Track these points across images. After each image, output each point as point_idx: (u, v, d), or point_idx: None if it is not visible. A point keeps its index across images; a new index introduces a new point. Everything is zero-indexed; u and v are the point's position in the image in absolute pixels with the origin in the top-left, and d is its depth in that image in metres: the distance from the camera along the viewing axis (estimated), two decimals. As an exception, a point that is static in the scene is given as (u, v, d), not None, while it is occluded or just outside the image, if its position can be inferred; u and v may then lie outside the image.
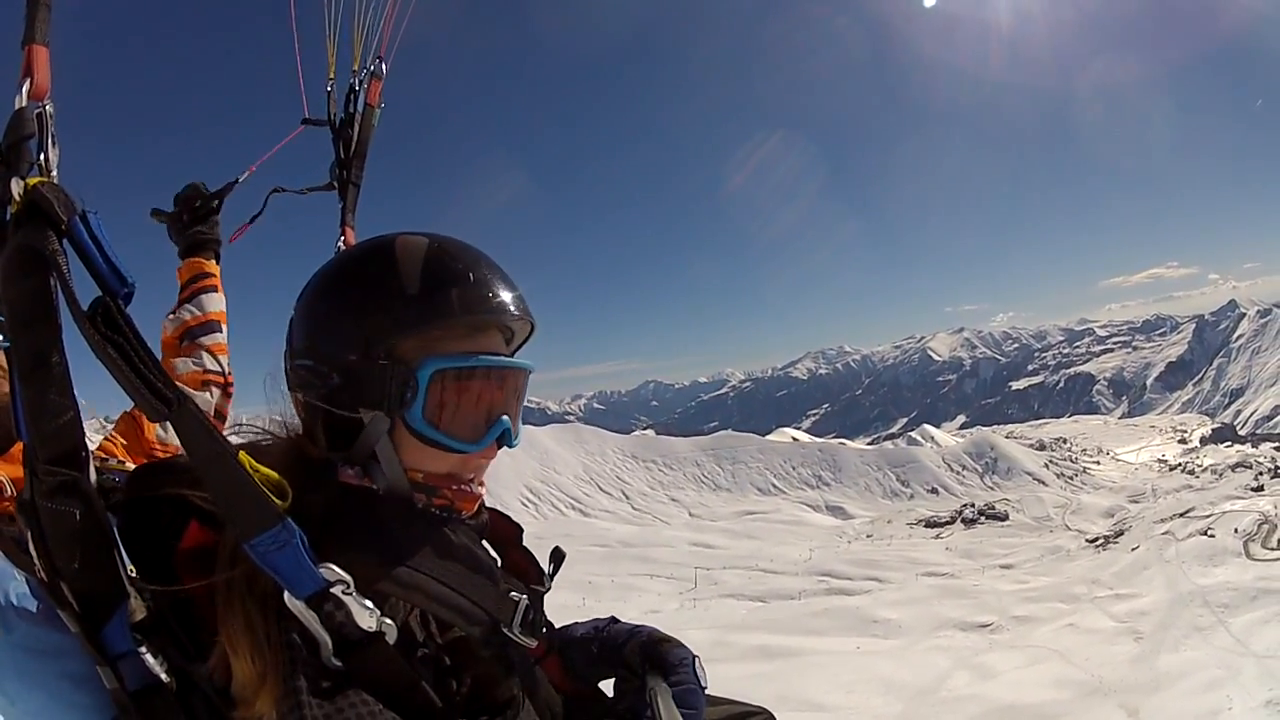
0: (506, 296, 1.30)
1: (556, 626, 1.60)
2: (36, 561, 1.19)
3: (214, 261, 2.49)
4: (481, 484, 1.38)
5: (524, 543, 1.51)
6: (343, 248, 2.23)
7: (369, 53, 2.36)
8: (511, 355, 1.40)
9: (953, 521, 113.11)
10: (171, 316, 2.41)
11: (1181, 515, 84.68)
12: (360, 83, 2.39)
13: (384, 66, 2.41)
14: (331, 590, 1.09)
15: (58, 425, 1.14)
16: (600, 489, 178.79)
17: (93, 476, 1.20)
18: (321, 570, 1.08)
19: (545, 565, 1.48)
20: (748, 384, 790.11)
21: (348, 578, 1.09)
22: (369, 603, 1.10)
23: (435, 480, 1.31)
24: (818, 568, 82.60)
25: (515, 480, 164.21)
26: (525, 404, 1.49)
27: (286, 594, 1.08)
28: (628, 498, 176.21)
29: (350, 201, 2.39)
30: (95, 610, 1.16)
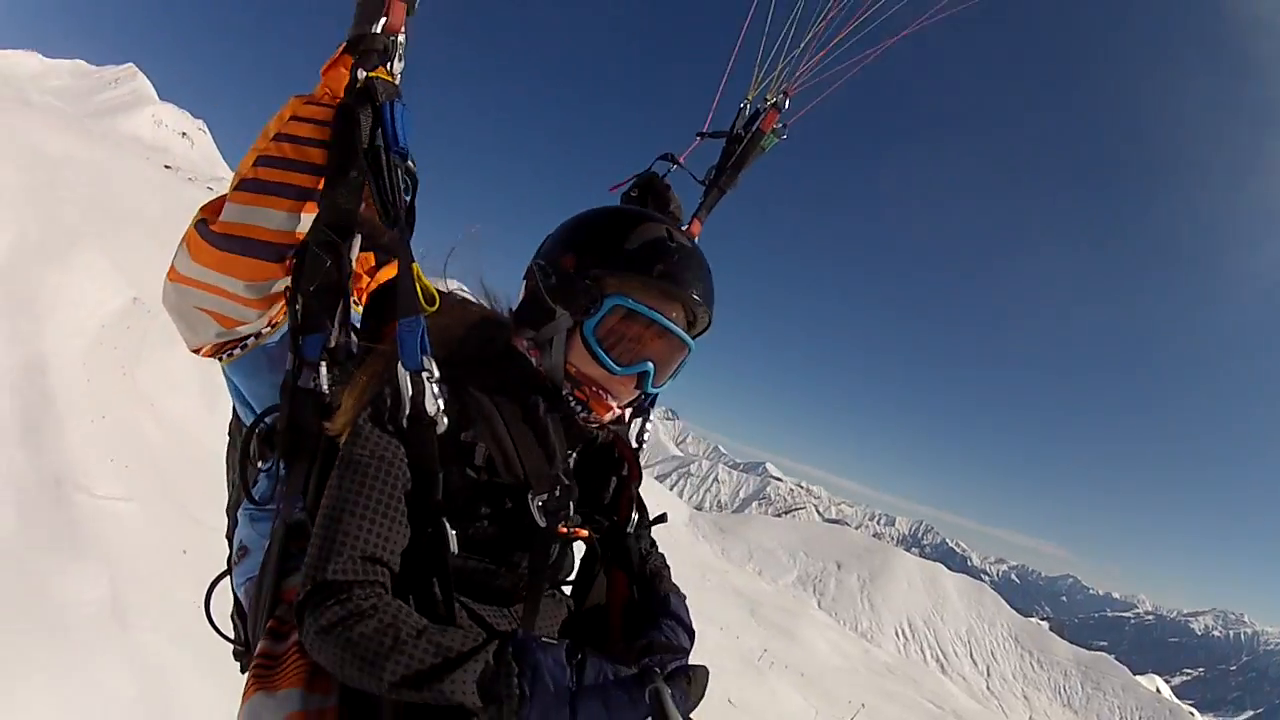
0: (697, 286, 1.60)
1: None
2: (289, 280, 1.75)
3: None
4: (620, 406, 1.66)
5: (638, 492, 1.82)
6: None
7: (779, 85, 2.49)
8: (686, 334, 1.64)
9: None
10: None
11: None
12: (763, 110, 2.50)
13: (787, 102, 2.51)
14: (421, 373, 1.46)
15: (341, 209, 1.71)
16: (970, 656, 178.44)
17: (354, 250, 1.76)
18: (424, 358, 1.47)
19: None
20: (1150, 617, 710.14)
21: (436, 371, 1.47)
22: (441, 399, 1.47)
23: (583, 378, 1.60)
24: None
25: (903, 608, 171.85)
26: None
27: (399, 362, 1.47)
28: (989, 675, 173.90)
29: (709, 201, 2.45)
30: (307, 324, 1.71)
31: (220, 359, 2.11)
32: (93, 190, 12.55)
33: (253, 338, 1.99)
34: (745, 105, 2.51)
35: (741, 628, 27.13)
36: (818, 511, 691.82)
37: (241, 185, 1.81)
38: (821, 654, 32.10)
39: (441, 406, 1.48)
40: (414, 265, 1.56)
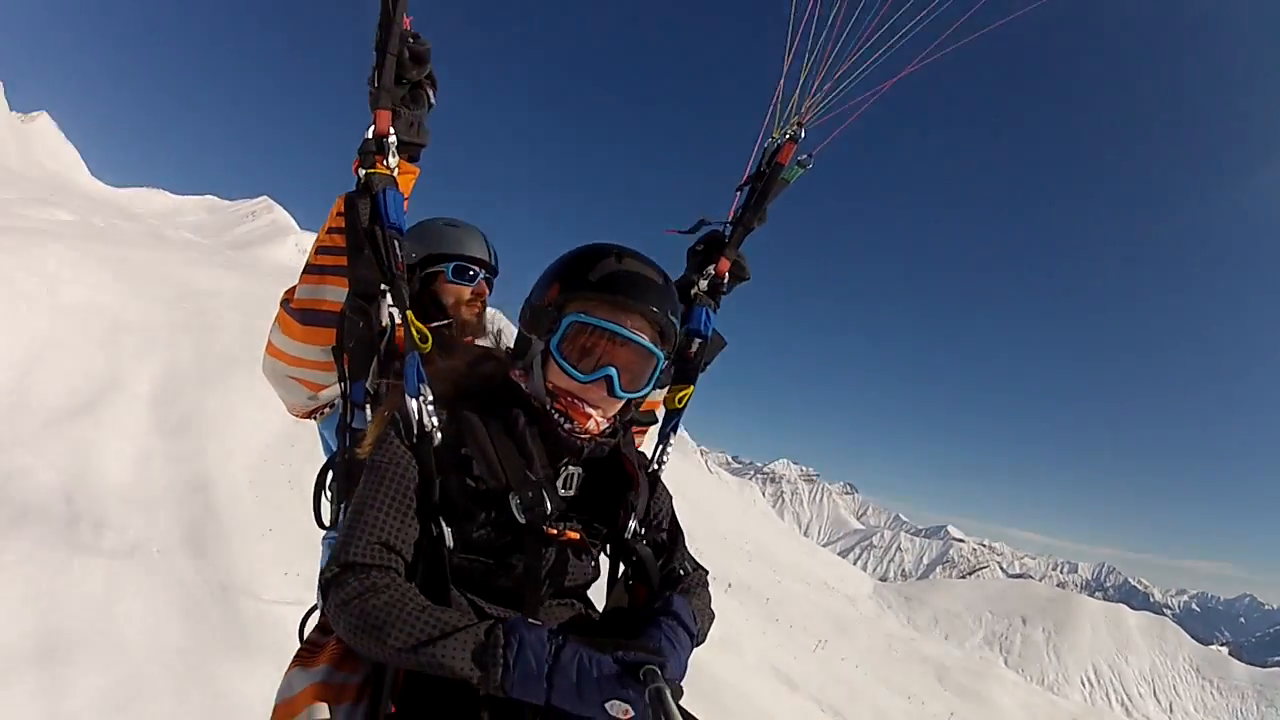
0: (649, 297, 1.79)
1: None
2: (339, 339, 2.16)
3: None
4: (603, 416, 1.84)
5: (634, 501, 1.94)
6: (712, 272, 2.52)
7: (795, 118, 2.53)
8: (661, 350, 1.84)
9: None
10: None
11: None
12: (778, 144, 2.53)
13: (802, 133, 2.54)
14: (418, 397, 1.80)
15: (363, 279, 2.07)
16: (1154, 694, 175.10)
17: (383, 312, 2.11)
18: (420, 385, 1.81)
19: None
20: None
21: (430, 395, 1.81)
22: (434, 417, 1.80)
23: (559, 392, 1.81)
24: None
25: (1087, 655, 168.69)
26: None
27: (405, 389, 1.84)
28: (1172, 711, 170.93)
29: (735, 238, 2.54)
30: (353, 374, 2.14)
31: (315, 418, 2.57)
32: (244, 318, 13.14)
33: (339, 399, 2.28)
34: (771, 142, 2.59)
35: (928, 694, 26.28)
36: (1001, 568, 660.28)
37: (307, 269, 2.28)
38: (1008, 712, 30.80)
39: (435, 423, 1.81)
40: (408, 313, 1.96)
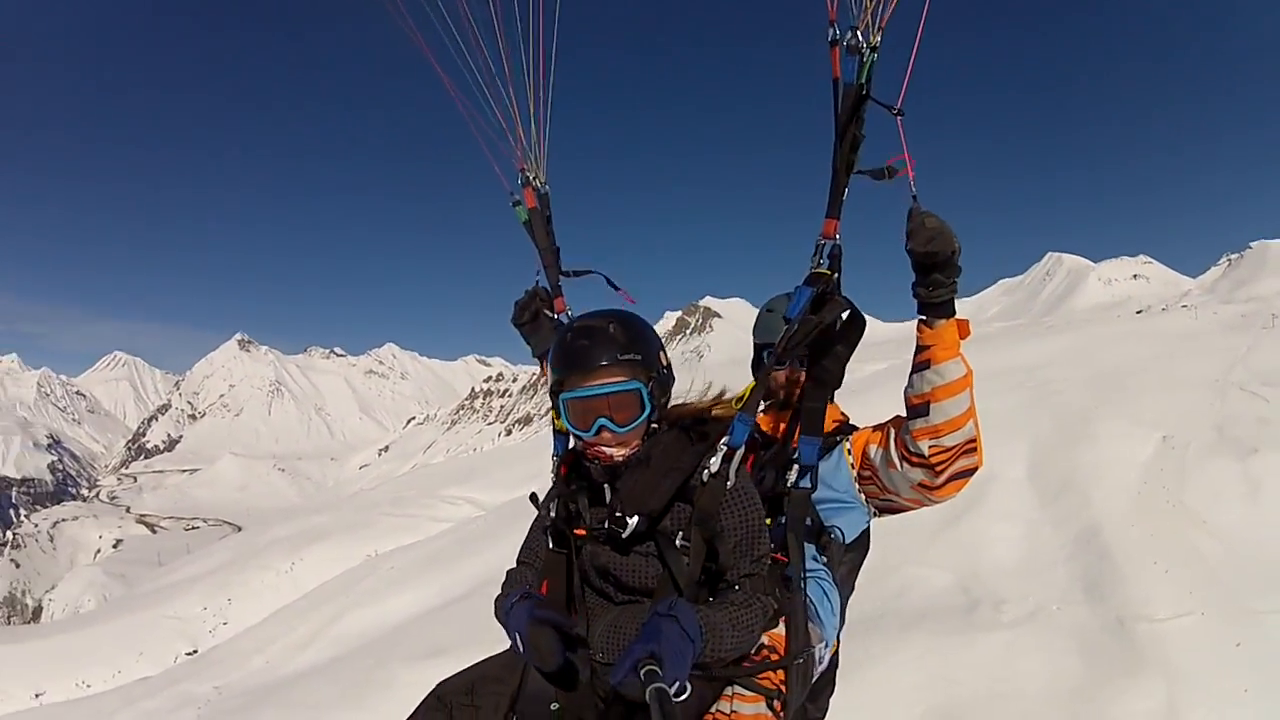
0: (593, 357, 2.14)
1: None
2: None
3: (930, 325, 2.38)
4: (624, 447, 2.18)
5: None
6: (820, 242, 2.47)
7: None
8: (638, 380, 2.15)
9: None
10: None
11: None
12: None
13: (834, 32, 2.31)
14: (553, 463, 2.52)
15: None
16: None
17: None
18: (554, 456, 2.53)
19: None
20: None
21: (552, 473, 2.48)
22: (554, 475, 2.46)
23: (585, 445, 2.19)
24: None
25: None
26: None
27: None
28: None
29: (832, 191, 2.42)
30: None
31: None
32: (1086, 371, 13.68)
33: None
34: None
35: None
36: None
37: None
38: None
39: (553, 480, 2.48)
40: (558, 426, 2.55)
